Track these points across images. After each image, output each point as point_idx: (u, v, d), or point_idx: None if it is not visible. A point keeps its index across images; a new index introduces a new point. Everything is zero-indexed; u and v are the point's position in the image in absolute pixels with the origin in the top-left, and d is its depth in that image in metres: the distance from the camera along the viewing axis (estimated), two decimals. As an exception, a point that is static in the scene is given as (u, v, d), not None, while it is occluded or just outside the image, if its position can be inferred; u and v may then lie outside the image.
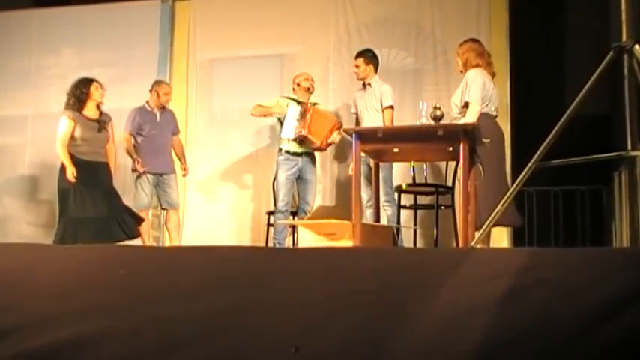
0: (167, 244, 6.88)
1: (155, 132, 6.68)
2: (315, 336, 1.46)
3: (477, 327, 1.38)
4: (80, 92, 6.16)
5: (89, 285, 1.74)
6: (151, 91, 6.81)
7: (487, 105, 5.09)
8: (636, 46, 3.03)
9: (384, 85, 6.31)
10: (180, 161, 6.84)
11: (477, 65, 5.20)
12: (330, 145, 6.47)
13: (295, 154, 6.37)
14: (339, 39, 7.24)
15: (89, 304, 1.65)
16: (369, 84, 6.32)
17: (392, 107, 6.24)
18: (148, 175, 6.56)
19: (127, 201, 6.41)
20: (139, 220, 6.18)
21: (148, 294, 1.67)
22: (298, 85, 6.51)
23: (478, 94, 5.02)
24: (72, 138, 6.08)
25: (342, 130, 6.39)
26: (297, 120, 6.28)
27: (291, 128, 6.31)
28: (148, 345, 1.52)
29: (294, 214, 6.50)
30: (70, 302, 1.67)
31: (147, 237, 6.57)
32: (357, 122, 6.35)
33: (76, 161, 6.03)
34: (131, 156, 6.58)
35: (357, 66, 6.36)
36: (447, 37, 6.82)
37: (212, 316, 1.55)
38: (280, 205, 6.34)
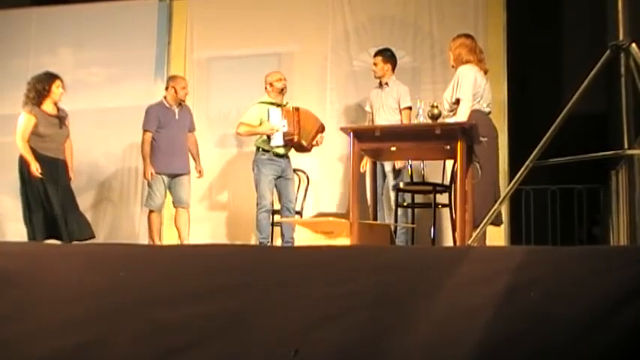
0: (174, 241, 6.85)
1: (173, 130, 6.56)
2: (314, 338, 1.46)
3: (476, 328, 1.38)
4: (42, 88, 6.10)
5: (89, 289, 1.73)
6: (167, 88, 6.70)
7: (479, 101, 5.08)
8: (633, 45, 3.04)
9: (402, 86, 6.34)
10: (195, 161, 6.74)
11: (468, 61, 5.19)
12: (314, 146, 6.48)
13: (279, 155, 6.40)
14: (336, 38, 7.24)
15: (90, 310, 1.65)
16: (387, 83, 6.34)
17: (410, 108, 6.25)
18: (163, 176, 6.48)
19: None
20: (88, 226, 6.16)
21: (146, 298, 1.67)
22: (271, 85, 6.47)
23: (469, 91, 5.01)
24: (35, 134, 6.05)
25: (324, 130, 6.44)
26: (284, 125, 6.30)
27: (279, 135, 6.31)
28: (147, 350, 1.53)
29: (274, 212, 6.53)
30: (72, 308, 1.67)
31: (157, 237, 6.51)
32: (372, 121, 6.36)
33: (38, 157, 6.02)
34: (145, 159, 6.48)
35: (374, 64, 6.39)
36: (444, 37, 6.80)
37: (211, 320, 1.55)
38: (266, 203, 6.33)
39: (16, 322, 1.65)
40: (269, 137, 6.35)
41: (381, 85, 6.38)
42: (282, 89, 6.45)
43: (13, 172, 7.85)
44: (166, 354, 1.51)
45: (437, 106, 4.71)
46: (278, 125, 6.31)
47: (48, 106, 6.15)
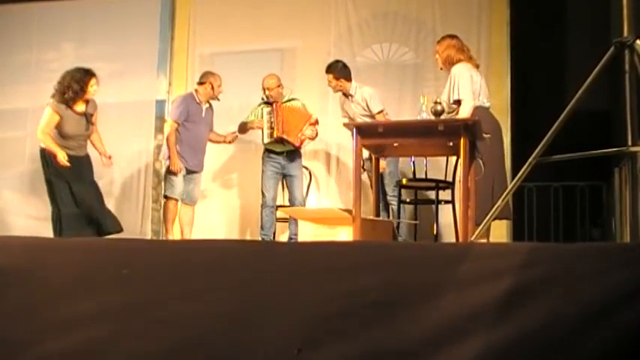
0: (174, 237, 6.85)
1: (198, 127, 6.50)
2: (316, 337, 1.45)
3: (480, 328, 1.37)
4: (80, 88, 5.94)
5: (93, 287, 1.73)
6: (202, 83, 6.56)
7: (479, 98, 5.09)
8: (637, 42, 3.03)
9: (366, 91, 6.26)
10: (223, 137, 6.73)
11: (459, 60, 5.21)
12: (304, 140, 6.48)
13: (276, 153, 6.45)
14: (339, 34, 7.23)
15: (94, 308, 1.64)
16: (351, 94, 6.28)
17: (382, 111, 6.19)
18: (183, 167, 6.40)
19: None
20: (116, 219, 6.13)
21: (149, 296, 1.67)
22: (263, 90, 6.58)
23: (468, 89, 5.02)
24: (58, 132, 5.94)
25: (317, 123, 6.43)
26: (270, 122, 6.37)
27: (267, 133, 6.40)
28: (150, 349, 1.52)
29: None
30: (75, 306, 1.66)
31: (172, 226, 6.45)
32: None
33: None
34: (170, 151, 6.34)
35: (329, 82, 6.34)
36: (447, 33, 6.80)
37: (213, 318, 1.55)
38: (266, 200, 6.41)
39: (20, 321, 1.65)
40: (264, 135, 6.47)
41: (346, 95, 6.34)
42: (263, 98, 6.52)
43: (16, 166, 7.87)
44: (168, 353, 1.51)
45: (440, 103, 4.71)
46: (264, 123, 6.41)
47: (79, 105, 6.03)
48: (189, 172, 6.47)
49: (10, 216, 7.77)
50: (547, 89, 7.40)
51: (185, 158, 6.39)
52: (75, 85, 5.96)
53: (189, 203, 6.58)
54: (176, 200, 6.45)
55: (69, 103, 5.94)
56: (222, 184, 7.47)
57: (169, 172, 6.41)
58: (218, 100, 6.64)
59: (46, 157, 5.94)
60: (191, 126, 6.44)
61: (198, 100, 6.53)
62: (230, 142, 6.79)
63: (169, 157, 6.37)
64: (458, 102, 5.03)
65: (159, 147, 7.27)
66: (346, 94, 6.32)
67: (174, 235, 6.48)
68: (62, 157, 5.79)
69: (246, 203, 7.24)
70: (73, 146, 6.01)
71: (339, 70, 6.30)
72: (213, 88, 6.53)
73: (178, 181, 6.39)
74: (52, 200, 5.96)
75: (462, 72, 5.08)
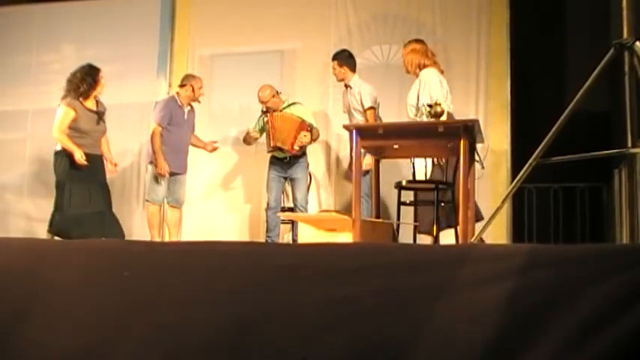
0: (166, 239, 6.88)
1: (181, 129, 6.57)
2: (320, 344, 1.45)
3: (481, 333, 1.37)
4: (93, 80, 5.97)
5: (93, 290, 1.72)
6: (184, 85, 6.66)
7: (446, 102, 5.14)
8: (637, 43, 3.04)
9: (363, 86, 6.34)
10: (204, 143, 6.79)
11: (425, 65, 5.28)
12: (301, 147, 6.49)
13: (278, 159, 6.53)
14: (339, 36, 7.24)
15: (94, 310, 1.64)
16: (349, 86, 6.37)
17: (372, 108, 6.25)
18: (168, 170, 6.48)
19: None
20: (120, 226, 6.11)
21: (150, 298, 1.66)
22: None
23: (440, 95, 5.09)
24: (74, 129, 5.89)
25: (311, 129, 6.43)
26: (268, 132, 6.47)
27: (267, 142, 6.53)
28: (150, 352, 1.52)
29: (287, 210, 6.60)
30: (77, 309, 1.65)
31: (158, 232, 6.52)
32: (350, 120, 6.37)
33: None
34: (156, 154, 6.43)
35: (333, 68, 6.43)
36: (447, 35, 6.83)
37: (215, 321, 1.54)
38: (270, 201, 6.50)
39: (22, 324, 1.64)
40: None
41: (346, 87, 6.41)
42: (263, 109, 6.60)
43: (16, 168, 7.86)
44: (171, 356, 1.50)
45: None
46: (266, 132, 6.54)
47: (90, 101, 6.02)
48: (172, 174, 6.54)
49: (10, 218, 7.77)
50: (547, 91, 7.40)
51: (168, 161, 6.46)
52: (88, 78, 5.99)
53: (176, 205, 6.65)
54: (159, 205, 6.55)
55: (82, 96, 5.94)
56: (227, 188, 7.46)
57: (153, 176, 6.49)
58: (199, 102, 6.74)
59: (62, 158, 5.89)
60: (174, 129, 6.52)
61: (180, 103, 6.61)
62: (210, 151, 6.84)
63: (154, 161, 6.45)
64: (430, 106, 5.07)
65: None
66: (347, 85, 6.38)
67: (162, 237, 6.53)
68: (80, 156, 5.77)
69: (253, 206, 7.25)
70: (89, 144, 5.97)
71: (344, 59, 6.41)
72: (194, 90, 6.61)
73: (161, 186, 6.47)
74: (58, 204, 5.87)
75: (431, 78, 5.18)
